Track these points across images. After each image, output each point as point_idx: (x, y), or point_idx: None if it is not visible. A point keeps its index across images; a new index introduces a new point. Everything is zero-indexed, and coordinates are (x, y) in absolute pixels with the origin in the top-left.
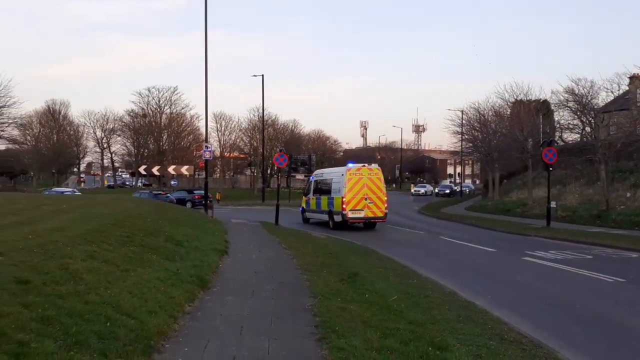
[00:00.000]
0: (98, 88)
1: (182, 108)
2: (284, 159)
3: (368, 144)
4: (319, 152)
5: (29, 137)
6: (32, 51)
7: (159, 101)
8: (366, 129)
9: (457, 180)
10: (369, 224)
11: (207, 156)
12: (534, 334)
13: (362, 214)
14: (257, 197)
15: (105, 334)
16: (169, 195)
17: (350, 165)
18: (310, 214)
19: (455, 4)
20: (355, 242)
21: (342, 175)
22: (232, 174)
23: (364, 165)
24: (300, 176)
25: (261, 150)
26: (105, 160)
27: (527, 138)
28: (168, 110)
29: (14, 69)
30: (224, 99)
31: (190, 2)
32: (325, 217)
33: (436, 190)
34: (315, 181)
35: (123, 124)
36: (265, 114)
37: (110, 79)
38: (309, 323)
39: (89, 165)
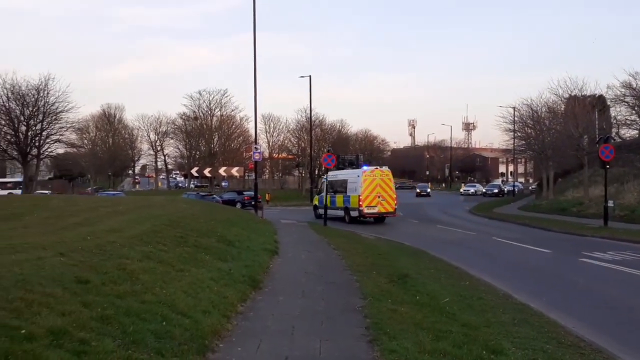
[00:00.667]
0: (151, 92)
1: (232, 110)
2: (331, 159)
3: (416, 143)
4: (367, 151)
5: (86, 141)
6: (87, 56)
7: (210, 104)
8: (414, 127)
9: (510, 179)
10: (379, 218)
11: (257, 157)
12: (592, 337)
13: (376, 210)
14: (306, 198)
15: (161, 333)
16: (214, 196)
17: (365, 167)
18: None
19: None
20: (405, 243)
21: (358, 176)
22: (280, 174)
23: (377, 168)
24: None
25: (309, 151)
26: (158, 163)
27: (583, 135)
28: (218, 113)
29: (70, 74)
30: (272, 100)
31: (238, 5)
32: (340, 213)
33: (484, 190)
34: (329, 181)
35: (175, 126)
36: (312, 115)
37: (162, 82)
38: (360, 324)
39: (143, 167)
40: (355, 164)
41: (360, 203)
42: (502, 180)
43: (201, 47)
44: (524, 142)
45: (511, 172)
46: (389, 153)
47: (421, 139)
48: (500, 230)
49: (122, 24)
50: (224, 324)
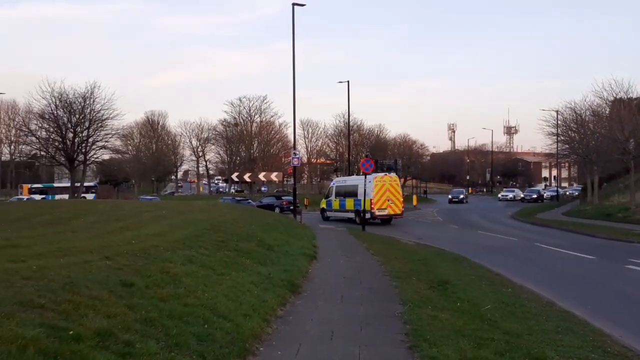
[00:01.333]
0: (193, 99)
1: (271, 116)
2: (370, 164)
3: (456, 147)
4: (405, 156)
5: (130, 147)
6: (131, 64)
7: (250, 110)
8: (454, 131)
9: (553, 184)
10: (385, 220)
11: (296, 163)
12: None
13: (385, 212)
14: None
15: (203, 336)
16: (249, 200)
17: (376, 173)
18: (332, 213)
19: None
20: (445, 249)
21: (370, 182)
22: (319, 179)
23: (386, 174)
24: None
25: (347, 155)
26: (200, 168)
27: (629, 138)
28: (258, 119)
29: (115, 82)
30: (310, 106)
31: (277, 13)
32: (349, 215)
33: (522, 195)
34: (338, 187)
35: (216, 133)
36: (350, 120)
37: (204, 89)
38: (399, 330)
39: (186, 172)
40: (393, 169)
41: (372, 206)
42: (545, 185)
43: (241, 55)
44: (567, 146)
45: (554, 176)
46: (428, 158)
47: (461, 143)
48: (543, 236)
49: (165, 33)
50: (264, 328)
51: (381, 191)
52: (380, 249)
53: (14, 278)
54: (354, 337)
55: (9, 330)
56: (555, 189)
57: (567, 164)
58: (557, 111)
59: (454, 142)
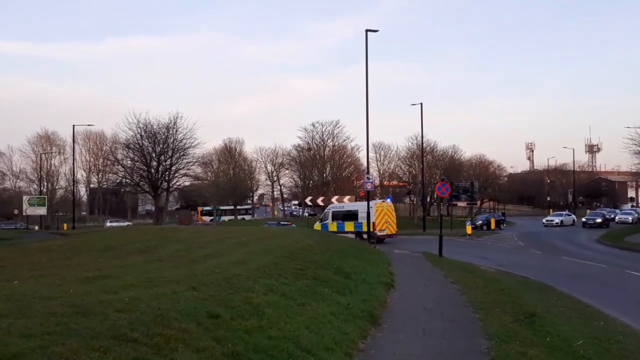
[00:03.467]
0: (268, 125)
1: (344, 140)
2: (446, 188)
3: (535, 167)
4: (481, 177)
5: (209, 173)
6: (209, 94)
7: (322, 135)
8: (532, 151)
9: None
10: (381, 239)
11: (369, 187)
12: None
13: (385, 232)
14: (418, 226)
15: None
16: (293, 225)
17: (375, 201)
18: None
19: (628, 12)
20: (528, 277)
21: (371, 207)
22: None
23: (383, 201)
24: (462, 204)
25: (420, 178)
26: (275, 192)
27: None
28: (331, 143)
29: (196, 110)
30: (382, 128)
31: (350, 37)
32: (349, 236)
33: (583, 220)
34: (334, 212)
35: (290, 158)
36: (424, 141)
37: (278, 115)
38: None
39: (261, 196)
40: (470, 191)
41: (374, 228)
42: (632, 205)
43: (314, 80)
44: None
45: None
46: (506, 178)
47: (540, 163)
48: (633, 263)
49: (239, 62)
50: None
51: (380, 215)
52: (459, 277)
53: (108, 310)
54: None
55: None
56: (637, 210)
57: None
58: None
59: (532, 161)
